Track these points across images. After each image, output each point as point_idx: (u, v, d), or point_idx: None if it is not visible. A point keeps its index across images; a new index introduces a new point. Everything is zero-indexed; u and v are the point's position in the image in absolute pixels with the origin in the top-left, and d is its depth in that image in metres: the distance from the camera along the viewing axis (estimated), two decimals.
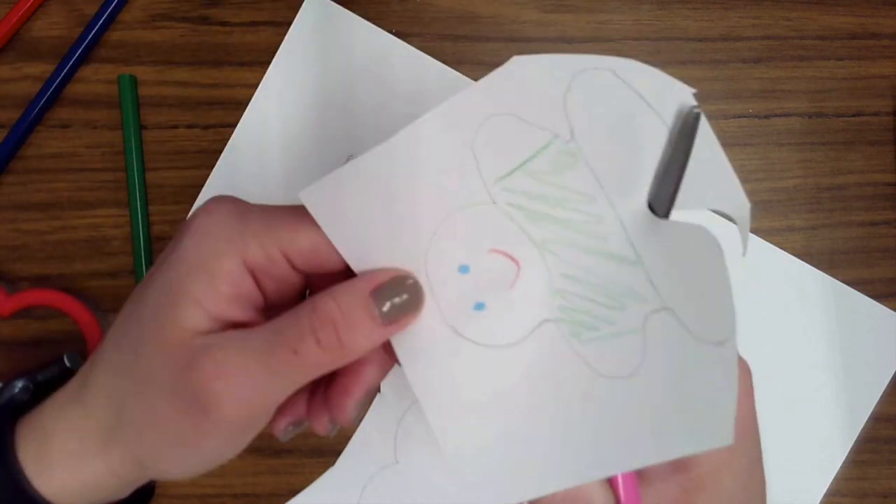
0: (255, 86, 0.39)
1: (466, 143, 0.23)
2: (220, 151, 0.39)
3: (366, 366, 0.26)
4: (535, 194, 0.24)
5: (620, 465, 0.23)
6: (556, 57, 0.23)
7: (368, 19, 0.39)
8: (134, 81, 0.39)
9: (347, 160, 0.39)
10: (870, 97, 0.40)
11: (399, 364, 0.25)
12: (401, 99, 0.39)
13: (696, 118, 0.23)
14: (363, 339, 0.23)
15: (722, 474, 0.24)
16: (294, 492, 0.38)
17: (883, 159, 0.40)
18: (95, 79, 0.40)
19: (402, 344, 0.25)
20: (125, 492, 0.27)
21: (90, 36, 0.39)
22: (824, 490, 0.38)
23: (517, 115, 0.23)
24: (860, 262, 0.40)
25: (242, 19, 0.40)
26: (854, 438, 0.38)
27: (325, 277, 0.25)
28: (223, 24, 0.40)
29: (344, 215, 0.24)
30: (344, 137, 0.39)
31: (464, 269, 0.24)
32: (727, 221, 0.39)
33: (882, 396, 0.39)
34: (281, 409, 0.26)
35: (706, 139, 0.24)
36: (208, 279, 0.23)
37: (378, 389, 0.26)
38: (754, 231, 0.39)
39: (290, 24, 0.39)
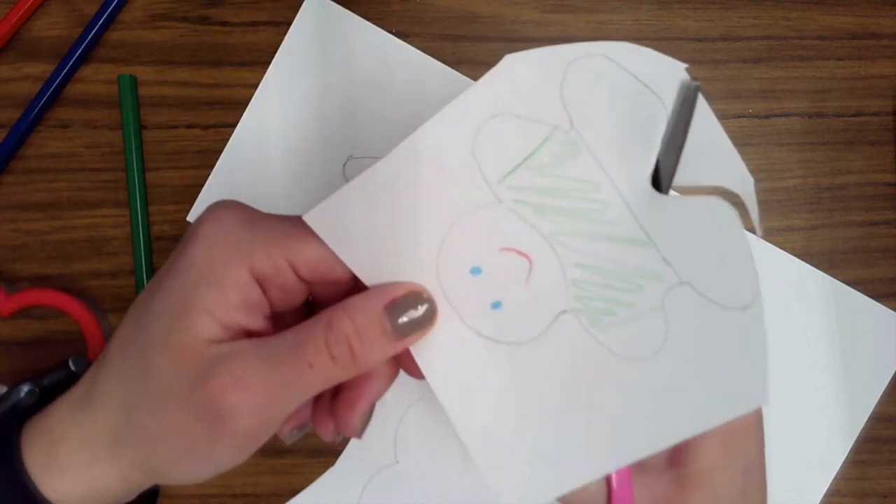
0: (255, 86, 0.39)
1: (466, 147, 0.23)
2: (220, 151, 0.39)
3: (370, 380, 0.26)
4: (540, 188, 0.24)
5: (655, 445, 0.23)
6: (547, 50, 0.23)
7: (368, 19, 0.39)
8: (134, 81, 0.39)
9: (347, 160, 0.39)
10: (870, 97, 0.40)
11: (422, 376, 0.25)
12: (401, 99, 0.39)
13: (696, 91, 0.23)
14: (376, 354, 0.24)
15: (717, 474, 0.24)
16: (294, 492, 0.39)
17: (883, 159, 0.40)
18: (95, 79, 0.40)
19: (423, 353, 0.25)
20: (132, 496, 0.27)
21: (90, 36, 0.39)
22: (824, 490, 0.38)
23: (515, 114, 0.23)
24: (860, 262, 0.40)
25: (242, 19, 0.40)
26: (854, 438, 0.38)
27: (331, 286, 0.25)
28: (223, 24, 0.40)
29: (351, 233, 0.24)
30: (344, 137, 0.39)
31: (476, 271, 0.24)
32: None
33: (882, 396, 0.39)
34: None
35: (705, 116, 0.24)
36: (218, 288, 0.23)
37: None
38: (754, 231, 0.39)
39: (290, 24, 0.39)
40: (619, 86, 0.23)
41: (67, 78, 0.39)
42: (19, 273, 0.39)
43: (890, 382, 0.39)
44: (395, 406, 0.39)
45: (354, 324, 0.23)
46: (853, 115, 0.40)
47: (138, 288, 0.38)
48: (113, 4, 0.39)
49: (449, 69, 0.39)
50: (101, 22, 0.39)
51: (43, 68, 0.39)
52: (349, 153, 0.39)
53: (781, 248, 0.39)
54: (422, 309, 0.24)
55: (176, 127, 0.39)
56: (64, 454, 0.25)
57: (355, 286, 0.25)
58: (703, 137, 0.24)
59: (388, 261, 0.24)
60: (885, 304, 0.39)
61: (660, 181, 0.24)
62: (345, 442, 0.39)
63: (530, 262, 0.24)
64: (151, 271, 0.38)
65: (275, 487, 0.38)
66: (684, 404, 0.23)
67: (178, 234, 0.39)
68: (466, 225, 0.24)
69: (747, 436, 0.25)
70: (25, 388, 0.30)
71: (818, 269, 0.39)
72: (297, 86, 0.39)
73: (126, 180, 0.39)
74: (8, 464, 0.25)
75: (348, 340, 0.23)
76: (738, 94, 0.40)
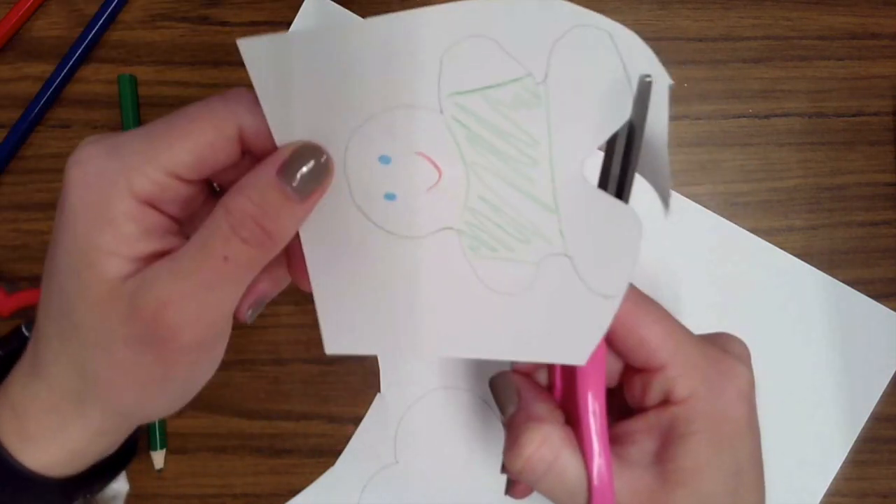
0: None
1: (438, 50, 0.23)
2: None
3: (256, 284, 0.26)
4: (484, 119, 0.24)
5: (478, 352, 0.26)
6: (565, 3, 0.23)
7: None
8: (134, 81, 0.39)
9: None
10: (870, 97, 0.40)
11: (309, 287, 0.26)
12: None
13: (648, 87, 0.23)
14: (286, 221, 0.23)
15: (703, 472, 0.24)
16: (294, 492, 0.39)
17: (883, 159, 0.40)
18: (95, 79, 0.40)
19: (307, 223, 0.25)
20: (115, 446, 0.27)
21: (90, 36, 0.39)
22: (824, 490, 0.38)
23: (500, 44, 0.23)
24: (860, 262, 0.40)
25: (242, 19, 0.40)
26: (854, 438, 0.38)
27: (224, 172, 0.24)
28: (223, 24, 0.40)
29: (280, 78, 0.23)
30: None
31: (385, 159, 0.24)
32: (718, 218, 0.39)
33: (882, 396, 0.39)
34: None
35: (658, 111, 0.24)
36: (110, 228, 0.22)
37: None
38: (754, 231, 0.39)
39: (290, 24, 0.39)
40: (606, 68, 0.23)
41: (67, 78, 0.39)
42: (19, 273, 0.39)
43: (890, 382, 0.39)
44: (395, 406, 0.39)
45: (253, 200, 0.22)
46: (853, 115, 0.40)
47: None
48: (113, 4, 0.39)
49: None
50: (101, 22, 0.39)
51: (43, 68, 0.39)
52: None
53: (781, 248, 0.39)
54: (315, 161, 0.23)
55: None
56: (32, 426, 0.25)
57: (250, 162, 0.24)
58: (651, 134, 0.24)
59: (304, 120, 0.24)
60: (885, 304, 0.39)
61: (606, 179, 0.24)
62: (344, 440, 0.39)
63: (439, 176, 0.25)
64: None
65: (275, 487, 0.38)
66: (515, 332, 0.26)
67: None
68: (399, 117, 0.24)
69: (736, 436, 0.24)
70: None
71: (818, 269, 0.39)
72: None
73: None
74: None
75: (253, 219, 0.22)
76: (738, 94, 0.40)
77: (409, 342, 0.26)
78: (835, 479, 0.38)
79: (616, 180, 0.24)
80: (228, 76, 0.40)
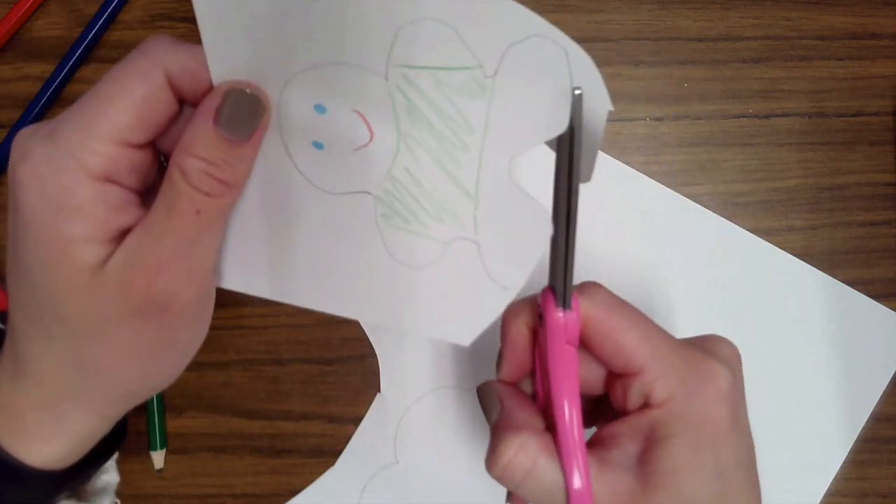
0: None
1: (397, 22, 0.23)
2: None
3: None
4: (427, 96, 0.24)
5: (368, 315, 0.28)
6: (528, 13, 0.23)
7: None
8: None
9: None
10: (870, 97, 0.40)
11: None
12: None
13: (578, 100, 0.23)
14: (239, 166, 0.24)
15: (681, 475, 0.23)
16: (294, 492, 0.39)
17: (883, 159, 0.40)
18: (95, 79, 0.39)
19: None
20: (110, 427, 0.28)
21: (90, 36, 0.39)
22: (824, 490, 0.38)
23: (459, 33, 0.23)
24: (860, 262, 0.40)
25: None
26: (854, 438, 0.38)
27: (169, 134, 0.24)
28: None
29: (227, 13, 0.23)
30: None
31: (320, 108, 0.25)
32: (714, 216, 0.39)
33: (882, 396, 0.39)
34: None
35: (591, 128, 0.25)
36: (77, 215, 0.22)
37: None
38: (754, 231, 0.39)
39: None
40: (553, 80, 0.24)
41: (67, 78, 0.39)
42: None
43: (890, 382, 0.39)
44: (395, 406, 0.39)
45: (200, 156, 0.23)
46: (853, 115, 0.40)
47: None
48: (113, 4, 0.39)
49: None
50: (101, 22, 0.39)
51: (43, 68, 0.39)
52: None
53: (781, 248, 0.39)
54: (248, 102, 0.23)
55: None
56: (29, 424, 0.25)
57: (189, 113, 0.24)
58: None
59: (244, 59, 0.24)
60: (885, 304, 0.39)
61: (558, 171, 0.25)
62: (344, 440, 0.39)
63: (371, 138, 0.25)
64: None
65: (275, 487, 0.38)
66: (409, 304, 0.27)
67: None
68: (343, 72, 0.24)
69: (717, 437, 0.24)
70: None
71: (818, 269, 0.39)
72: None
73: None
74: None
75: (207, 174, 0.23)
76: (738, 94, 0.40)
77: (302, 293, 0.27)
78: (835, 479, 0.38)
79: (562, 176, 0.25)
80: None
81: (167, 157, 0.26)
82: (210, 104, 0.23)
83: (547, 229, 0.25)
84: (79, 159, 0.22)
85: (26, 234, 0.23)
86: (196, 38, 0.36)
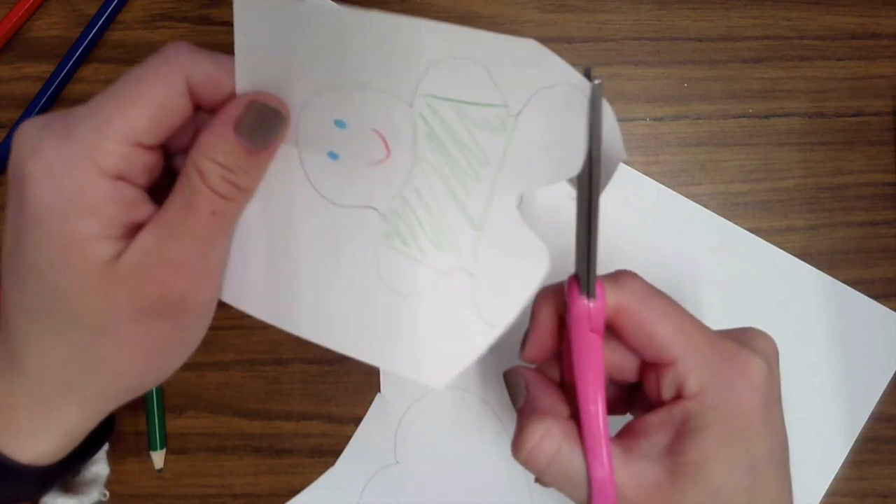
0: None
1: (431, 57, 0.24)
2: None
3: None
4: (448, 125, 0.25)
5: (351, 351, 0.27)
6: (561, 63, 0.24)
7: None
8: None
9: None
10: (870, 97, 0.40)
11: None
12: None
13: (599, 88, 0.24)
14: (255, 171, 0.25)
15: (710, 465, 0.23)
16: (294, 492, 0.39)
17: (883, 159, 0.40)
18: (95, 79, 0.40)
19: None
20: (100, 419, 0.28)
21: (90, 36, 0.39)
22: (824, 490, 0.38)
23: (491, 73, 0.24)
24: (860, 262, 0.40)
25: None
26: (854, 438, 0.38)
27: (180, 134, 0.25)
28: (223, 24, 0.40)
29: (264, 29, 0.24)
30: None
31: (341, 123, 0.25)
32: (713, 217, 0.39)
33: (882, 396, 0.39)
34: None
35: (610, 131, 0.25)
36: (91, 213, 0.23)
37: None
38: (754, 231, 0.39)
39: None
40: (575, 127, 0.24)
41: (67, 78, 0.39)
42: None
43: (890, 382, 0.39)
44: (395, 406, 0.39)
45: (219, 161, 0.23)
46: (853, 115, 0.40)
47: None
48: (113, 4, 0.39)
49: None
50: (101, 22, 0.39)
51: (43, 68, 0.39)
52: None
53: (781, 248, 0.39)
54: (271, 114, 0.24)
55: None
56: (21, 419, 0.25)
57: (200, 118, 0.24)
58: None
59: (272, 71, 0.24)
60: (885, 304, 0.39)
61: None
62: (344, 440, 0.39)
63: (387, 155, 0.25)
64: None
65: (275, 487, 0.38)
66: (388, 334, 0.27)
67: None
68: (369, 94, 0.24)
69: (749, 431, 0.24)
70: None
71: (818, 269, 0.39)
72: None
73: None
74: None
75: (224, 178, 0.23)
76: (738, 94, 0.40)
77: (287, 315, 0.27)
78: (835, 479, 0.38)
79: (584, 165, 0.25)
80: None
81: (172, 154, 0.26)
82: (232, 112, 0.23)
83: (544, 269, 0.25)
84: (94, 159, 0.22)
85: (35, 230, 0.23)
86: (195, 38, 0.36)
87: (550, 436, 0.24)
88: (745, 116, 0.40)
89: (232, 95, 0.24)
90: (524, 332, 0.28)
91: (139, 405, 0.38)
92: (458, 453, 0.38)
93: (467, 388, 0.38)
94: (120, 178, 0.23)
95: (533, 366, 0.28)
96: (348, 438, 0.39)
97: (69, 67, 0.39)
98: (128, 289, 0.23)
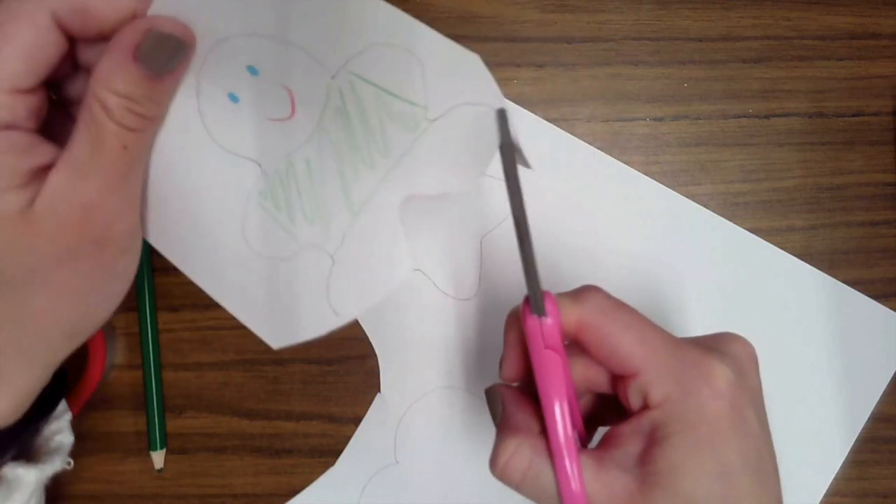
0: None
1: (370, 40, 0.24)
2: None
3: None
4: (362, 107, 0.25)
5: (214, 294, 0.27)
6: (493, 86, 0.24)
7: None
8: None
9: None
10: (870, 97, 0.40)
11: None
12: None
13: (502, 115, 0.24)
14: (159, 98, 0.24)
15: (678, 473, 0.23)
16: (294, 492, 0.39)
17: (883, 159, 0.40)
18: None
19: None
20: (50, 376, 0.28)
21: None
22: (824, 490, 0.38)
23: (424, 71, 0.24)
24: (860, 262, 0.40)
25: None
26: (854, 438, 0.38)
27: (63, 61, 0.24)
28: None
29: None
30: None
31: (253, 70, 0.24)
32: (713, 216, 0.39)
33: (882, 396, 0.39)
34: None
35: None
36: None
37: None
38: (754, 231, 0.39)
39: None
40: (482, 146, 0.24)
41: None
42: None
43: (890, 382, 0.39)
44: (395, 406, 0.39)
45: (121, 94, 0.22)
46: (853, 115, 0.40)
47: (138, 287, 0.38)
48: None
49: None
50: None
51: None
52: None
53: (781, 248, 0.39)
54: (171, 42, 0.23)
55: None
56: None
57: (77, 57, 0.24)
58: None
59: (191, 6, 0.23)
60: (885, 304, 0.39)
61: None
62: (344, 440, 0.39)
63: (289, 116, 0.25)
64: (151, 271, 0.38)
65: (275, 487, 0.38)
66: (242, 287, 0.27)
67: None
68: (294, 52, 0.24)
69: (716, 437, 0.24)
70: None
71: (818, 269, 0.39)
72: None
73: None
74: None
75: (129, 109, 0.23)
76: (738, 94, 0.40)
77: (165, 241, 0.27)
78: (835, 479, 0.38)
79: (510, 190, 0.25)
80: None
81: (56, 90, 0.25)
82: (130, 39, 0.22)
83: (402, 275, 0.26)
84: None
85: None
86: None
87: (520, 452, 0.25)
88: (745, 116, 0.40)
89: (127, 20, 0.23)
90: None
91: (139, 405, 0.38)
92: (458, 453, 0.38)
93: (467, 388, 0.38)
94: (7, 127, 0.23)
95: (515, 384, 0.29)
96: (348, 438, 0.39)
97: None
98: (46, 235, 0.23)
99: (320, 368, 0.39)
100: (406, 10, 0.39)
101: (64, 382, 0.31)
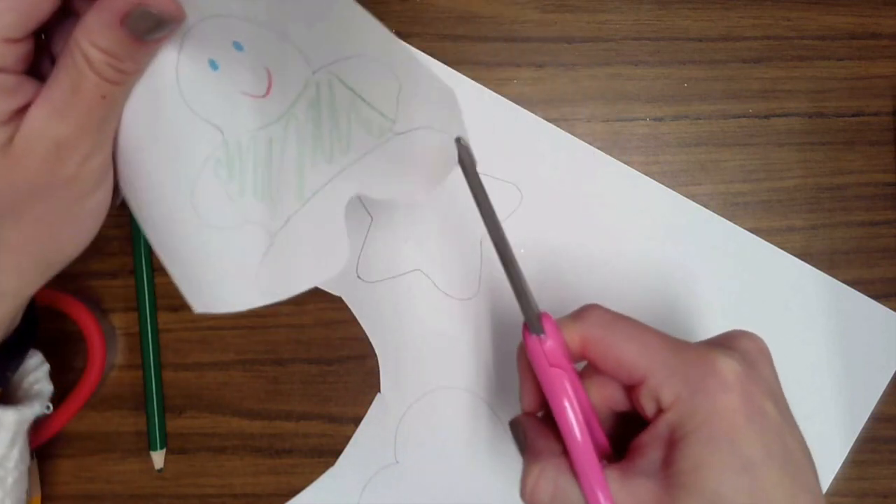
0: None
1: (358, 51, 0.24)
2: None
3: None
4: (335, 105, 0.25)
5: (159, 252, 0.28)
6: (460, 120, 0.24)
7: None
8: None
9: None
10: (870, 97, 0.40)
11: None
12: None
13: (464, 148, 0.25)
14: (143, 57, 0.24)
15: (701, 470, 0.23)
16: (294, 492, 0.39)
17: (883, 159, 0.40)
18: None
19: None
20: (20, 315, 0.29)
21: None
22: (824, 490, 0.38)
23: (401, 90, 0.24)
24: (860, 262, 0.40)
25: None
26: (854, 438, 0.38)
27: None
28: None
29: None
30: None
31: (238, 45, 0.25)
32: (713, 217, 0.39)
33: (882, 396, 0.39)
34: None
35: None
36: None
37: None
38: (754, 231, 0.39)
39: None
40: (436, 169, 0.25)
41: None
42: None
43: (890, 382, 0.39)
44: (395, 406, 0.39)
45: (103, 49, 0.23)
46: (853, 115, 0.40)
47: (138, 288, 0.38)
48: None
49: (448, 69, 0.39)
50: None
51: None
52: None
53: (781, 248, 0.39)
54: (160, 17, 0.23)
55: None
56: None
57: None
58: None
59: None
60: (885, 304, 0.39)
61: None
62: (344, 440, 0.39)
63: (263, 95, 0.26)
64: (151, 271, 0.38)
65: (275, 487, 0.38)
66: (179, 251, 0.27)
67: None
68: (283, 44, 0.24)
69: (732, 430, 0.24)
70: None
71: (818, 269, 0.39)
72: None
73: None
74: None
75: (109, 65, 0.23)
76: (738, 94, 0.40)
77: (126, 184, 0.27)
78: (835, 479, 0.38)
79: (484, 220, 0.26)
80: None
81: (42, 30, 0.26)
82: (119, 5, 0.23)
83: (334, 270, 0.26)
84: None
85: None
86: None
87: (545, 475, 0.25)
88: (745, 116, 0.40)
89: None
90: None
91: (139, 405, 0.38)
92: (458, 453, 0.38)
93: (467, 388, 0.38)
94: None
95: (539, 413, 0.29)
96: (348, 438, 0.39)
97: None
98: (22, 170, 0.24)
99: (320, 368, 0.39)
100: (406, 9, 0.40)
101: (35, 326, 0.32)
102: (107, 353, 0.37)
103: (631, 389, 0.26)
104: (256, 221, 0.27)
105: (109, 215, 0.39)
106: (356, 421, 0.39)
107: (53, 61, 0.25)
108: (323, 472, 0.39)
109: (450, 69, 0.39)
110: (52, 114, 0.24)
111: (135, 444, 0.38)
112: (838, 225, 0.40)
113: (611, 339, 0.26)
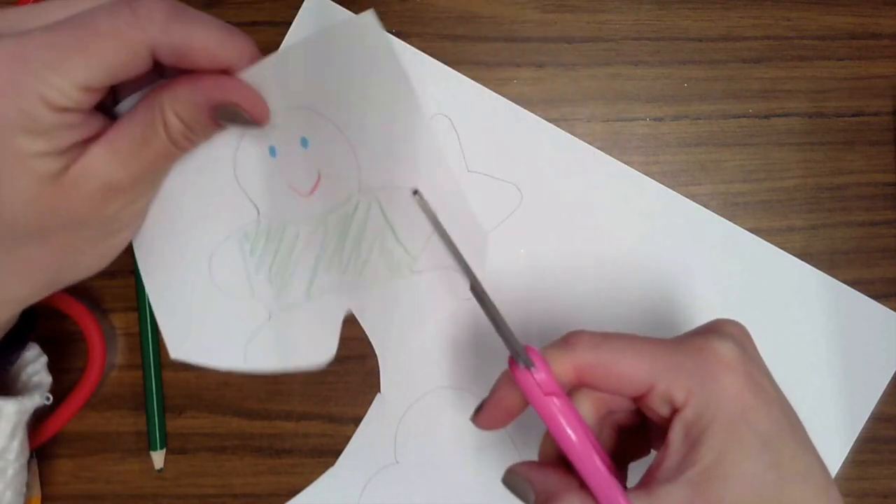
0: None
1: (410, 187, 0.27)
2: None
3: None
4: (364, 228, 0.28)
5: (154, 301, 0.30)
6: (473, 275, 0.26)
7: None
8: None
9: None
10: (870, 97, 0.40)
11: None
12: None
13: (420, 198, 0.27)
14: (207, 133, 0.27)
15: (728, 458, 0.23)
16: (294, 492, 0.39)
17: (883, 159, 0.40)
18: None
19: None
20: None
21: None
22: None
23: (431, 239, 0.29)
24: (860, 262, 0.40)
25: (242, 19, 0.40)
26: (854, 438, 0.38)
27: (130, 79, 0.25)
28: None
29: (324, 48, 0.26)
30: None
31: (304, 142, 0.27)
32: (714, 217, 0.39)
33: (882, 396, 0.39)
34: None
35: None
36: (37, 133, 0.23)
37: None
38: (754, 231, 0.39)
39: (290, 24, 0.39)
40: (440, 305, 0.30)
41: None
42: None
43: (890, 382, 0.39)
44: (395, 406, 0.39)
45: (184, 121, 0.25)
46: (853, 115, 0.40)
47: (138, 288, 0.38)
48: None
49: (448, 69, 0.39)
50: None
51: None
52: None
53: (781, 248, 0.39)
54: (244, 114, 0.25)
55: None
56: None
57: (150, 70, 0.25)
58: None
59: (294, 81, 0.26)
60: (885, 304, 0.39)
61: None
62: (344, 440, 0.39)
63: (307, 195, 0.28)
64: None
65: (275, 487, 0.38)
66: (178, 304, 0.30)
67: None
68: (348, 155, 0.27)
69: (745, 410, 0.24)
70: None
71: (818, 269, 0.39)
72: None
73: None
74: None
75: (184, 135, 0.25)
76: (738, 94, 0.40)
77: (138, 237, 0.29)
78: (835, 479, 0.38)
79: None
80: None
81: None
82: (216, 97, 0.25)
83: (320, 363, 0.29)
84: (42, 93, 0.23)
85: None
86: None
87: None
88: (745, 116, 0.40)
89: (216, 66, 0.25)
90: (479, 403, 0.28)
91: (139, 405, 0.38)
92: (458, 453, 0.38)
93: (467, 388, 0.38)
94: (67, 111, 0.24)
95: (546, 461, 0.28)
96: (348, 438, 0.39)
97: None
98: (69, 200, 0.24)
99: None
100: (406, 9, 0.40)
101: (33, 322, 0.33)
102: (107, 353, 0.37)
103: (639, 400, 0.26)
104: (261, 299, 0.29)
105: None
106: (356, 421, 0.38)
107: (115, 96, 0.27)
108: (323, 472, 0.39)
109: (450, 69, 0.39)
110: (114, 159, 0.25)
111: (135, 444, 0.38)
112: (838, 225, 0.40)
113: (607, 360, 0.25)
